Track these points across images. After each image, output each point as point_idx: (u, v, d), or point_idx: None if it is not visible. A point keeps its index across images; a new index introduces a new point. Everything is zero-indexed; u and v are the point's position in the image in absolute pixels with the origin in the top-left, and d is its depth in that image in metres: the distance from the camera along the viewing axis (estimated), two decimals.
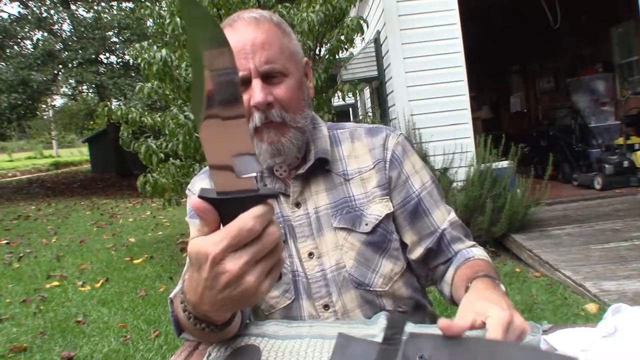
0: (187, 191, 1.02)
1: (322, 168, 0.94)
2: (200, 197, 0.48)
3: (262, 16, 0.87)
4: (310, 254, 0.92)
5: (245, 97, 0.84)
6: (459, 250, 0.95)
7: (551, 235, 3.98)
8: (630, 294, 2.68)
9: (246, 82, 0.84)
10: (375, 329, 0.76)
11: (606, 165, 5.42)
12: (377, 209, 0.92)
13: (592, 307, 2.66)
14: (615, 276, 2.95)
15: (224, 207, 0.48)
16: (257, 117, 0.84)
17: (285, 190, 0.93)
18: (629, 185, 5.31)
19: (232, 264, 0.48)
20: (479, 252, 0.94)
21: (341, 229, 0.91)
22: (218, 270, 0.49)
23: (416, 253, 0.95)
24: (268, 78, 0.85)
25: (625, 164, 5.34)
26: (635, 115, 5.73)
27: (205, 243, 0.49)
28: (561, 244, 3.72)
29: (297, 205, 0.93)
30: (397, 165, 0.95)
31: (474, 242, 0.98)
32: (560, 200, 5.09)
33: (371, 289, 0.91)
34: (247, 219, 0.47)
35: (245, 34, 0.84)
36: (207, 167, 1.06)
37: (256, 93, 0.83)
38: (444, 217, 0.96)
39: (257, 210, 0.47)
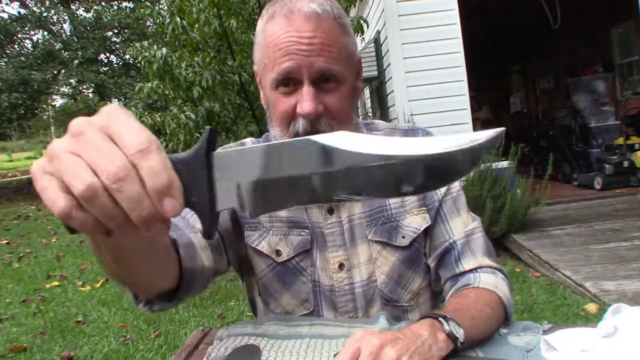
0: None
1: None
2: None
3: (324, 10, 0.76)
4: (341, 266, 0.87)
5: (290, 99, 0.78)
6: (469, 270, 0.85)
7: (551, 235, 3.98)
8: (630, 294, 2.67)
9: (294, 82, 0.77)
10: (376, 329, 0.76)
11: (606, 165, 5.42)
12: (416, 221, 0.88)
13: (592, 307, 2.66)
14: (615, 276, 2.95)
15: None
16: (301, 125, 0.77)
17: None
18: (629, 185, 5.31)
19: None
20: (486, 279, 0.82)
21: (376, 242, 0.87)
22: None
23: (430, 263, 0.90)
24: (320, 82, 0.77)
25: (625, 164, 5.34)
26: (635, 115, 5.72)
27: None
28: (561, 244, 3.72)
29: (330, 211, 0.87)
30: None
31: (492, 263, 0.87)
32: (560, 200, 5.08)
33: (398, 304, 0.89)
34: None
35: (303, 29, 0.74)
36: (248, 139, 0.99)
37: (306, 102, 0.75)
38: (461, 226, 0.88)
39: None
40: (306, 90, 0.76)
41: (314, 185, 0.38)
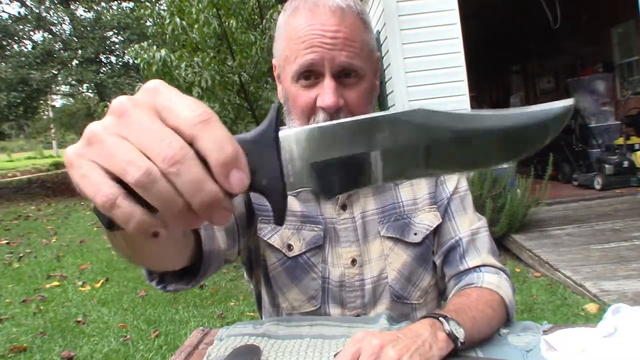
0: None
1: None
2: None
3: (348, 5, 0.77)
4: (354, 261, 0.87)
5: (311, 92, 0.78)
6: (473, 267, 0.87)
7: (551, 235, 3.98)
8: (630, 294, 2.68)
9: (315, 75, 0.77)
10: (376, 329, 0.76)
11: (606, 165, 5.42)
12: (428, 219, 0.88)
13: (592, 307, 2.66)
14: (615, 276, 2.95)
15: None
16: (321, 118, 0.77)
17: None
18: (629, 185, 5.31)
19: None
20: (489, 279, 0.83)
21: (388, 238, 0.87)
22: None
23: (436, 260, 0.91)
24: (340, 77, 0.77)
25: (625, 164, 5.34)
26: (635, 115, 5.73)
27: None
28: (561, 244, 3.72)
29: (344, 207, 0.88)
30: None
31: (496, 263, 0.88)
32: (560, 200, 5.08)
33: (408, 302, 0.89)
34: None
35: (327, 23, 0.75)
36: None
37: (327, 95, 0.75)
38: (467, 224, 0.89)
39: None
40: (327, 83, 0.76)
41: (381, 163, 0.37)
